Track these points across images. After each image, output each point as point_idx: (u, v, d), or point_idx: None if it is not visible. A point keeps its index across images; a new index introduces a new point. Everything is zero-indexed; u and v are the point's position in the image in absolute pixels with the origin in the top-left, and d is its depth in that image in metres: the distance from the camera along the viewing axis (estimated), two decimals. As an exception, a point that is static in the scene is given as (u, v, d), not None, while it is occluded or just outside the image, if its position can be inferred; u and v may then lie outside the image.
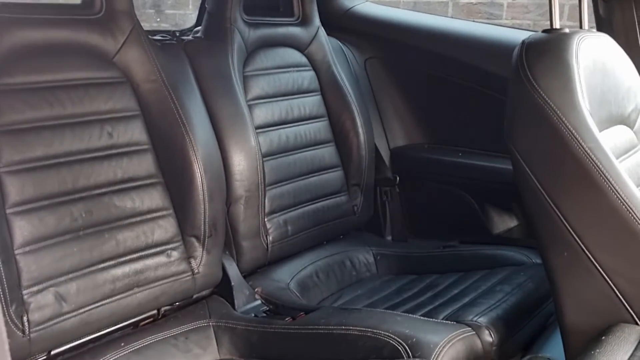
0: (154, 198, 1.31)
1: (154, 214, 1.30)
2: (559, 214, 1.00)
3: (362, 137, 1.77)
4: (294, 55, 1.72)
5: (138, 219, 1.27)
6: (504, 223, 1.80)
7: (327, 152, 1.74)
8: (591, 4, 1.50)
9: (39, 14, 1.20)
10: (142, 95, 1.32)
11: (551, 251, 1.04)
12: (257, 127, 1.55)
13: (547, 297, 1.35)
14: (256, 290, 1.47)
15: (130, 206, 1.27)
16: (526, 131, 1.07)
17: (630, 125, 1.23)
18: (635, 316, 0.96)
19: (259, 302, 1.45)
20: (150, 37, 1.39)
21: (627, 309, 0.97)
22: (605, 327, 0.96)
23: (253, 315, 1.39)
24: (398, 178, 1.88)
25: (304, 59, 1.74)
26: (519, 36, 1.73)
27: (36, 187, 1.14)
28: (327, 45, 1.78)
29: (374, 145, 1.83)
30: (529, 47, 1.09)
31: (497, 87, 1.67)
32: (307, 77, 1.73)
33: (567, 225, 0.99)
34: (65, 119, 1.20)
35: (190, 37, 1.56)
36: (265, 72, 1.63)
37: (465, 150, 1.82)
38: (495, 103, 1.66)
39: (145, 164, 1.31)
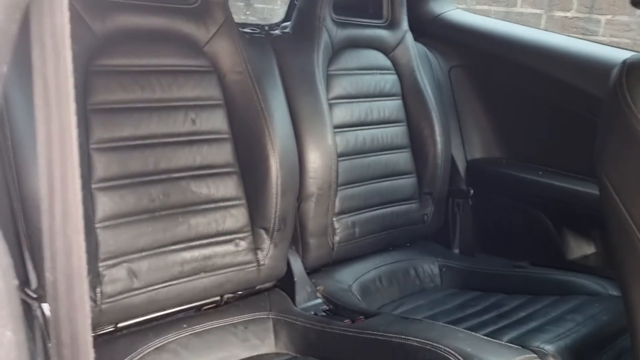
0: (229, 187, 1.33)
1: (227, 203, 1.33)
2: (646, 247, 0.94)
3: (439, 145, 1.74)
4: (379, 58, 1.71)
5: (211, 205, 1.30)
6: (581, 249, 1.72)
7: (403, 158, 1.72)
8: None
9: (141, 0, 1.25)
10: (227, 85, 1.35)
11: (633, 285, 0.98)
12: (335, 127, 1.55)
13: (621, 332, 1.28)
14: (318, 288, 1.48)
15: (206, 193, 1.30)
16: (619, 157, 1.01)
17: None
18: None
19: (319, 300, 1.45)
20: (240, 29, 1.41)
21: None
22: (685, 373, 0.90)
23: (313, 313, 1.40)
24: (472, 191, 1.84)
25: (388, 62, 1.72)
26: (617, 55, 1.66)
27: (121, 165, 1.19)
28: (412, 50, 1.76)
29: (450, 155, 1.80)
30: (631, 68, 1.03)
31: (587, 106, 1.60)
32: (389, 80, 1.72)
33: (653, 259, 0.93)
34: (153, 103, 1.25)
35: (278, 32, 1.58)
36: (348, 72, 1.63)
37: (545, 169, 1.75)
38: (583, 123, 1.59)
39: (223, 153, 1.34)
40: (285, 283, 1.45)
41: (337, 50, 1.61)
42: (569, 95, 1.68)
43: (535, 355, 1.13)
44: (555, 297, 1.47)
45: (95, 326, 1.16)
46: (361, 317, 1.33)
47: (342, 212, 1.56)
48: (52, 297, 0.36)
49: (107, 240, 1.15)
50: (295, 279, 1.45)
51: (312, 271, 1.53)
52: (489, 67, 1.86)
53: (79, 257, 0.34)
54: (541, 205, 1.73)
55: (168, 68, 1.27)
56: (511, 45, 1.81)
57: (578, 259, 1.72)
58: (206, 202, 1.30)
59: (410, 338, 1.18)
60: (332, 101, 1.57)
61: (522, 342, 1.19)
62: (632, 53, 1.70)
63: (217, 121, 1.34)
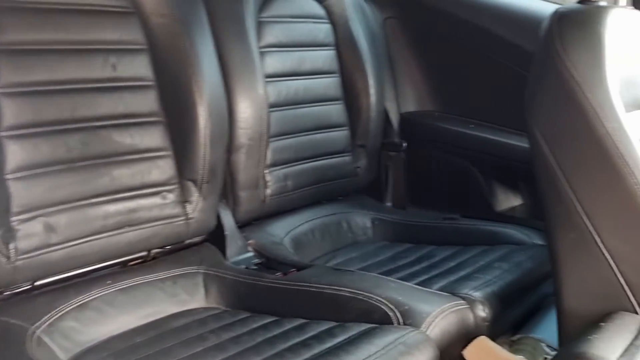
0: (154, 137, 1.27)
1: (153, 154, 1.26)
2: (572, 194, 0.96)
3: (372, 98, 1.72)
4: (312, 6, 1.66)
5: (136, 156, 1.24)
6: (508, 201, 1.77)
7: (335, 110, 1.69)
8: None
9: None
10: (151, 29, 1.27)
11: (558, 231, 1.01)
12: (266, 76, 1.50)
13: (544, 278, 1.33)
14: (249, 242, 1.45)
15: (129, 143, 1.23)
16: (547, 105, 1.02)
17: (654, 111, 1.18)
18: (637, 305, 0.94)
19: (251, 254, 1.42)
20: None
21: (629, 297, 0.94)
22: (604, 313, 0.94)
23: (244, 266, 1.37)
24: (405, 144, 1.84)
25: (321, 11, 1.68)
26: (549, 9, 1.67)
27: (33, 112, 1.10)
28: (347, -1, 1.71)
29: (383, 107, 1.79)
30: (562, 17, 1.03)
31: (519, 60, 1.61)
32: (323, 29, 1.67)
33: (578, 205, 0.95)
34: (69, 45, 1.15)
35: (206, -26, 1.50)
36: (281, 19, 1.57)
37: (477, 122, 1.77)
38: (515, 77, 1.60)
39: (148, 101, 1.26)
40: (216, 237, 1.41)
41: (269, -5, 1.54)
42: (502, 48, 1.69)
43: (464, 301, 1.15)
44: (483, 247, 1.50)
45: (9, 283, 1.09)
46: (293, 269, 1.32)
47: (273, 164, 1.53)
48: None
49: (20, 192, 1.07)
50: (226, 233, 1.42)
51: (243, 225, 1.50)
52: (423, 19, 1.85)
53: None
54: (472, 158, 1.76)
55: (85, 7, 1.18)
56: (445, -3, 1.80)
57: (506, 210, 1.77)
58: (130, 153, 1.23)
59: (343, 289, 1.17)
60: (264, 49, 1.52)
61: (451, 290, 1.21)
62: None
63: (140, 67, 1.26)
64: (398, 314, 1.07)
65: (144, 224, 1.24)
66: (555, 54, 0.99)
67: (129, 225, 1.22)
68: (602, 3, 1.08)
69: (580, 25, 1.02)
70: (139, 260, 1.30)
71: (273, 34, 1.54)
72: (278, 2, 1.57)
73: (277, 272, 1.32)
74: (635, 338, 0.84)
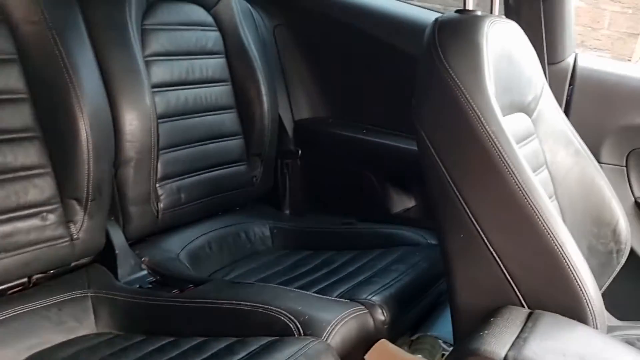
0: (30, 154, 1.18)
1: (29, 172, 1.17)
2: (459, 196, 0.99)
3: (265, 105, 1.70)
4: (199, 13, 1.61)
5: (9, 175, 1.14)
6: (402, 203, 1.81)
7: (228, 119, 1.66)
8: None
9: None
10: (21, 37, 1.18)
11: (448, 232, 1.04)
12: (153, 86, 1.44)
13: (439, 277, 1.37)
14: (143, 259, 1.38)
15: (1, 161, 1.13)
16: (433, 111, 1.05)
17: (529, 114, 1.25)
18: (522, 299, 0.98)
19: (145, 272, 1.36)
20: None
21: (515, 291, 0.99)
22: (494, 308, 0.97)
23: (138, 286, 1.30)
24: (300, 151, 1.84)
25: (209, 19, 1.63)
26: (432, 17, 1.73)
27: None
28: (235, 6, 1.68)
29: (277, 115, 1.77)
30: (442, 26, 1.07)
31: (407, 66, 1.65)
32: (212, 37, 1.63)
33: (465, 206, 0.99)
34: None
35: (81, -20, 1.41)
36: (166, 27, 1.51)
37: (369, 127, 1.80)
38: (403, 82, 1.64)
39: (20, 115, 1.17)
40: (106, 257, 1.34)
41: (152, 2, 1.48)
42: (390, 55, 1.73)
43: (363, 307, 1.16)
44: (381, 250, 1.52)
45: None
46: (190, 285, 1.28)
47: (165, 177, 1.47)
48: None
49: None
50: (117, 252, 1.34)
51: (135, 242, 1.43)
52: (313, 27, 1.85)
53: None
54: (366, 162, 1.78)
55: (-58, 15, 1.07)
56: (332, 5, 1.81)
57: (400, 212, 1.81)
58: (2, 172, 1.14)
59: (242, 302, 1.14)
60: (149, 58, 1.45)
61: (351, 296, 1.22)
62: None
63: (10, 79, 1.16)
64: (298, 325, 1.06)
65: (22, 248, 1.15)
66: (437, 61, 1.02)
67: (5, 251, 1.13)
68: (478, 12, 1.14)
69: (458, 33, 1.06)
70: (18, 288, 1.20)
71: (158, 42, 1.48)
72: (162, 9, 1.51)
73: (174, 289, 1.27)
74: (522, 331, 0.88)
